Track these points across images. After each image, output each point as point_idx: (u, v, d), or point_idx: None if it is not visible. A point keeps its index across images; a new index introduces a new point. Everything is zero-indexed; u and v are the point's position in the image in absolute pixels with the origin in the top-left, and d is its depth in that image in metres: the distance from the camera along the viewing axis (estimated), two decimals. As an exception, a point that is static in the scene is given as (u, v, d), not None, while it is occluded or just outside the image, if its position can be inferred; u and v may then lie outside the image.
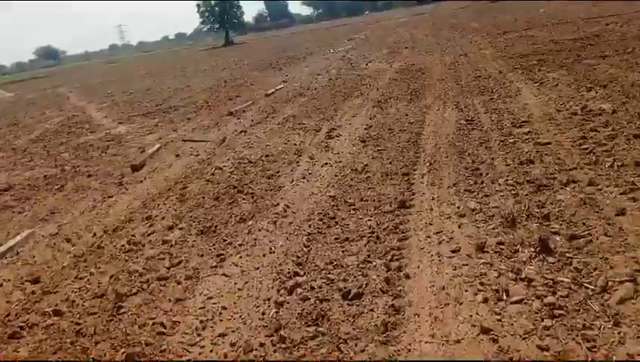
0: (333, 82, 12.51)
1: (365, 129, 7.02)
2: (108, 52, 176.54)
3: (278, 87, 13.06)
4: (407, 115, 7.45)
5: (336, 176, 5.16)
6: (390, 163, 5.26)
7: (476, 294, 2.71)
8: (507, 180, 4.19)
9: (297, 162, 5.92)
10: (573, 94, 6.85)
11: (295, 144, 6.82)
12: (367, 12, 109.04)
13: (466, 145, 5.40)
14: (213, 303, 3.07)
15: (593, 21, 15.42)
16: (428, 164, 5.03)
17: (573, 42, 11.70)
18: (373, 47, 20.59)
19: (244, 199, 4.90)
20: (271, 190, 5.04)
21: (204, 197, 5.20)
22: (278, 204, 4.61)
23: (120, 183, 6.32)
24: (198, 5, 66.81)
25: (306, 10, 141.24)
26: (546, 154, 4.62)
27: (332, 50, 22.85)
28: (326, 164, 5.69)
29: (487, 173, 4.43)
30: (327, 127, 7.50)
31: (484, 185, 4.20)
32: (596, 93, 6.66)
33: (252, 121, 9.17)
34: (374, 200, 4.28)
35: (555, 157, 4.51)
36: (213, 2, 66.72)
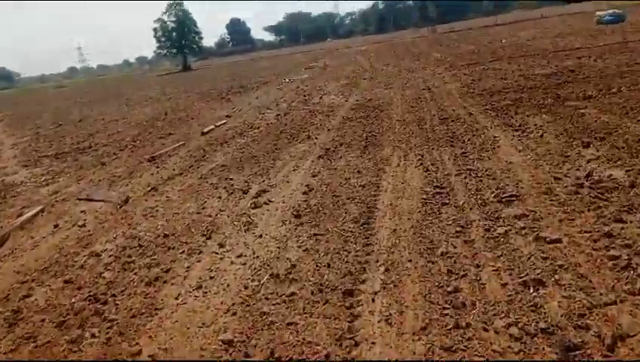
0: (280, 119, 10.89)
1: (304, 193, 5.36)
2: (66, 74, 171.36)
3: (219, 123, 11.36)
4: (359, 172, 5.85)
5: (246, 287, 3.43)
6: (329, 264, 3.57)
7: None
8: (509, 324, 2.56)
9: (200, 252, 4.16)
10: (566, 150, 5.40)
11: (209, 215, 5.08)
12: (329, 39, 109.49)
13: (436, 236, 3.77)
14: None
15: (563, 54, 14.42)
16: (383, 270, 3.36)
17: (547, 78, 10.50)
18: (330, 77, 19.20)
19: (95, 335, 3.10)
20: (142, 314, 3.26)
21: (43, 321, 3.38)
22: (139, 351, 2.84)
23: (-47, 277, 4.41)
24: (155, 29, 64.65)
25: (269, 37, 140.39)
26: (559, 267, 3.02)
27: (287, 80, 21.38)
28: (239, 256, 3.96)
29: (474, 304, 2.78)
30: (258, 188, 5.81)
31: (473, 333, 2.54)
32: (597, 150, 5.22)
33: (172, 171, 7.40)
34: None
35: (576, 274, 2.92)
36: (170, 27, 64.70)
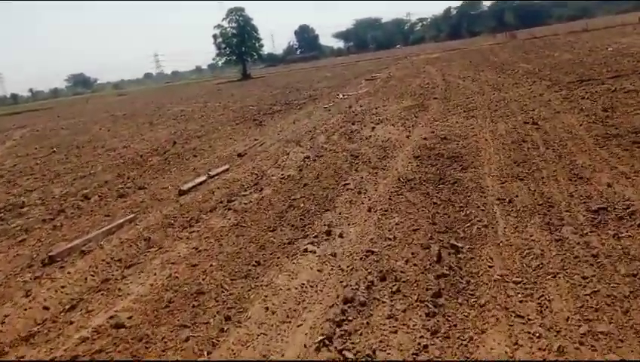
0: (303, 171, 7.13)
1: None
2: (141, 80, 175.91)
3: (216, 172, 7.74)
4: None
5: None
6: None
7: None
8: None
9: None
10: None
11: None
12: (398, 46, 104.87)
13: None
14: None
15: None
16: None
17: None
18: (392, 94, 15.13)
19: None
20: None
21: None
22: None
23: None
24: (214, 36, 62.42)
25: (337, 43, 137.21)
26: None
27: (341, 96, 17.58)
28: None
29: None
30: None
31: None
32: None
33: (42, 312, 3.79)
34: None
35: None
36: (230, 33, 62.24)
